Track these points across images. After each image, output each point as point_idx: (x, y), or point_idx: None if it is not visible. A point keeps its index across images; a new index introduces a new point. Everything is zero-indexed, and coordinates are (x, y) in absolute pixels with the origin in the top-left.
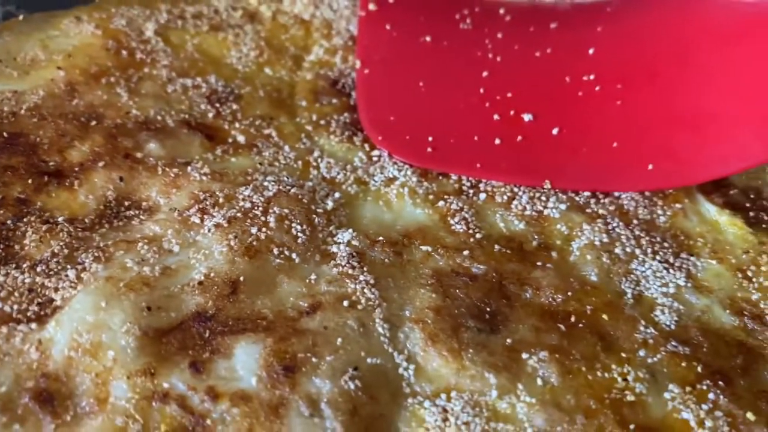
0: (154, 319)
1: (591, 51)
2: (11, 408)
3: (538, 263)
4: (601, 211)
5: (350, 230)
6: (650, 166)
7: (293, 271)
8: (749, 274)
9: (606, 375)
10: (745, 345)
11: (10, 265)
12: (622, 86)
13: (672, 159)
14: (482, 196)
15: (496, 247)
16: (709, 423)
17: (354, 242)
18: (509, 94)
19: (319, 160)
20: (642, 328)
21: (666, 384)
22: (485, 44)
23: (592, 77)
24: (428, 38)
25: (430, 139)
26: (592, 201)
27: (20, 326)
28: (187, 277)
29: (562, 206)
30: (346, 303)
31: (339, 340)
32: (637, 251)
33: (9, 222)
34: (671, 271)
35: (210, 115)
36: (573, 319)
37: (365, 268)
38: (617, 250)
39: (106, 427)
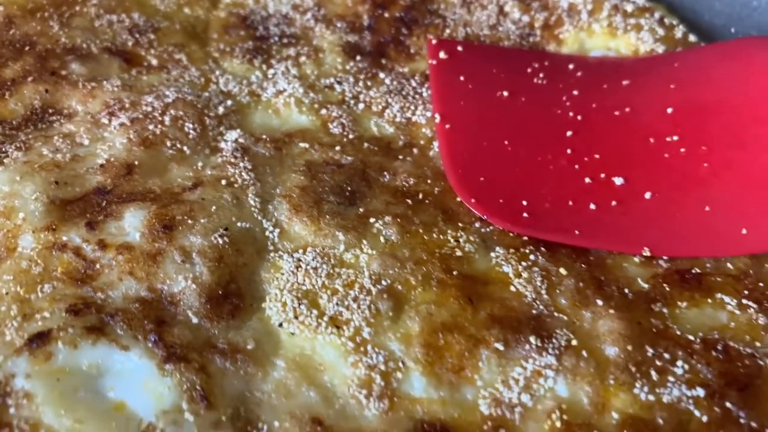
0: (61, 191)
1: (669, 110)
2: None
3: (400, 156)
4: None
5: (238, 130)
6: (744, 231)
7: (183, 161)
8: None
9: (441, 237)
10: None
11: None
12: (707, 148)
13: (766, 222)
14: (361, 105)
15: (366, 144)
16: (525, 275)
17: (240, 140)
18: (597, 156)
19: (220, 77)
20: None
21: (493, 247)
22: (563, 101)
23: (675, 138)
24: (505, 93)
25: (525, 203)
26: None
27: None
28: (92, 162)
29: (428, 114)
30: (224, 182)
31: (213, 208)
32: None
33: None
34: None
35: (129, 43)
36: (421, 196)
37: (246, 158)
38: None
39: (12, 269)
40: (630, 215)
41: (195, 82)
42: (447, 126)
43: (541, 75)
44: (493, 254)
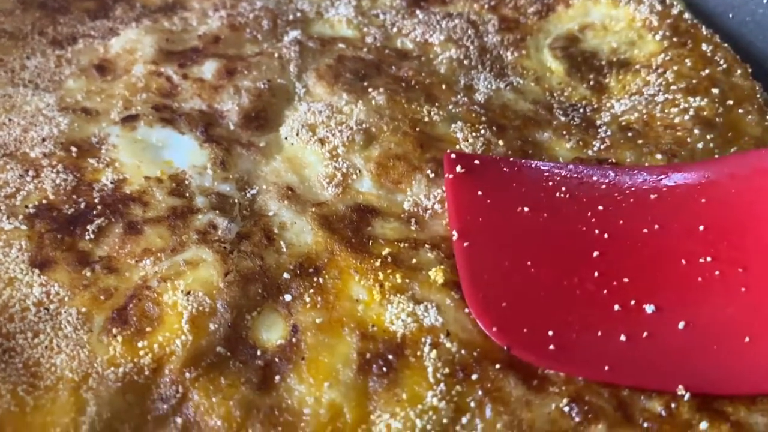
0: (168, 45)
1: (701, 228)
2: (86, 70)
3: (409, 60)
4: (467, 44)
5: (299, 31)
6: None
7: (255, 42)
8: (555, 95)
9: (417, 108)
10: (529, 118)
11: (103, 19)
12: (744, 270)
13: None
14: (394, 30)
15: (387, 51)
16: (471, 140)
17: (298, 36)
18: (626, 279)
19: (299, 1)
20: (459, 96)
21: (457, 122)
22: (587, 217)
23: (708, 259)
24: (526, 208)
25: (551, 333)
26: (464, 38)
27: (96, 40)
28: (194, 34)
29: (442, 37)
30: (276, 55)
31: (264, 68)
32: (479, 66)
33: (110, 1)
34: (499, 80)
35: None
36: (413, 83)
37: (298, 46)
38: (465, 62)
39: (125, 82)
40: (662, 348)
41: (280, 2)
42: (465, 244)
43: (563, 189)
44: (453, 125)
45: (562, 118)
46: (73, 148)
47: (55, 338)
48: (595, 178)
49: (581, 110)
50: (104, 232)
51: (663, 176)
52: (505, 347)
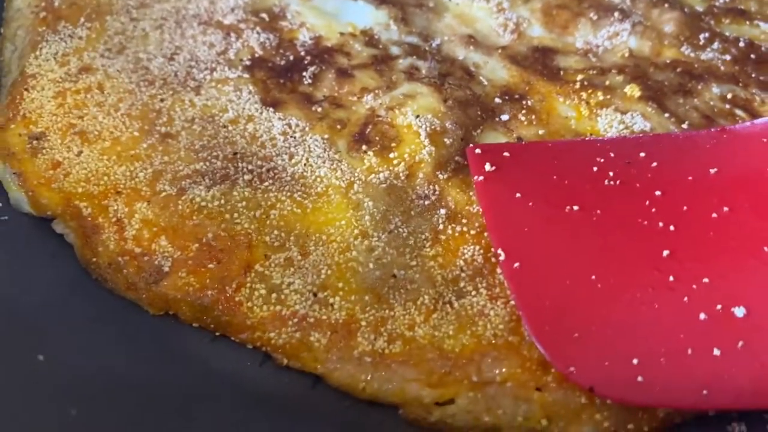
0: None
1: None
2: None
3: None
4: None
5: None
6: None
7: None
8: None
9: None
10: None
11: None
12: None
13: None
14: None
15: None
16: None
17: None
18: (705, 280)
19: None
20: None
21: None
22: (647, 207)
23: None
24: (575, 207)
25: (635, 361)
26: None
27: None
28: None
29: None
30: None
31: None
32: None
33: None
34: None
35: None
36: None
37: None
38: None
39: None
40: (763, 358)
41: None
42: (516, 265)
43: (611, 174)
44: None
45: None
46: (263, 14)
47: (310, 157)
48: (642, 155)
49: None
50: (319, 77)
51: (719, 141)
52: (589, 389)
